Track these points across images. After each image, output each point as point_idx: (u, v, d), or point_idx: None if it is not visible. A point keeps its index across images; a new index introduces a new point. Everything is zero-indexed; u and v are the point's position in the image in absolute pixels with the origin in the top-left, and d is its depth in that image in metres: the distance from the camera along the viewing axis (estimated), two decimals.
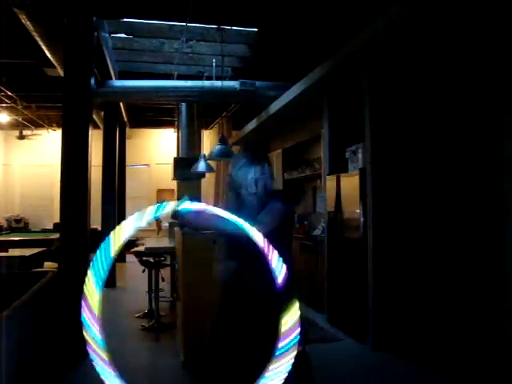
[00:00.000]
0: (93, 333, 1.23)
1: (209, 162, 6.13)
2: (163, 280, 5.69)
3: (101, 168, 7.91)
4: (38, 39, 4.66)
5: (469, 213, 4.39)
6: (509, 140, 3.31)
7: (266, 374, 1.34)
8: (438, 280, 4.58)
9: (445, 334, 4.19)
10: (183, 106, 8.25)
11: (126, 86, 6.62)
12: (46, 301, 3.65)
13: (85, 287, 1.26)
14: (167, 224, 8.63)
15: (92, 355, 1.22)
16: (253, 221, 1.58)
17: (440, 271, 4.61)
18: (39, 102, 8.95)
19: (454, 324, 4.20)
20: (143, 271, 5.77)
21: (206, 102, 7.67)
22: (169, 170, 9.75)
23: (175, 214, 1.96)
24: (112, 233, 1.33)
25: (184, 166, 7.16)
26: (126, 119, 10.18)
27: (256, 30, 5.69)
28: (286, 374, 1.34)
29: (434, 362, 3.97)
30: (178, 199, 1.71)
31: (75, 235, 4.22)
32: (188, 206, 1.61)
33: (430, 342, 4.19)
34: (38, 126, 10.54)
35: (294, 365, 1.35)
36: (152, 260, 5.37)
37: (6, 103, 8.51)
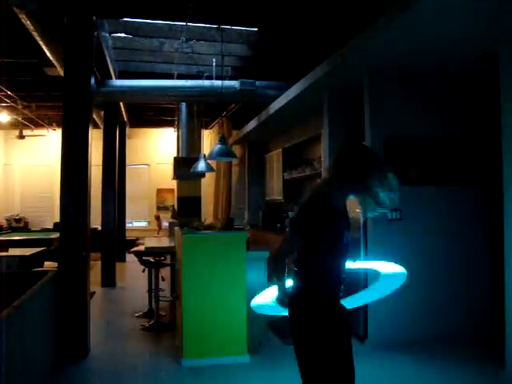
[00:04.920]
0: None
1: (209, 161, 6.13)
2: (163, 280, 5.69)
3: (101, 168, 7.90)
4: (37, 39, 4.65)
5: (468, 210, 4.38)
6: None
7: None
8: (437, 279, 4.58)
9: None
10: (183, 105, 8.25)
11: (125, 85, 6.62)
12: (45, 300, 3.65)
13: None
14: (167, 224, 8.63)
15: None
16: None
17: (440, 270, 4.61)
18: (39, 102, 8.94)
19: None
20: (143, 271, 5.77)
21: (206, 102, 7.67)
22: (169, 169, 9.76)
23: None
24: None
25: (184, 165, 7.17)
26: (126, 119, 10.17)
27: (256, 29, 5.69)
28: None
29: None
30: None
31: (75, 235, 4.22)
32: None
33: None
34: (38, 125, 10.52)
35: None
36: (152, 259, 5.37)
37: (6, 103, 8.49)
